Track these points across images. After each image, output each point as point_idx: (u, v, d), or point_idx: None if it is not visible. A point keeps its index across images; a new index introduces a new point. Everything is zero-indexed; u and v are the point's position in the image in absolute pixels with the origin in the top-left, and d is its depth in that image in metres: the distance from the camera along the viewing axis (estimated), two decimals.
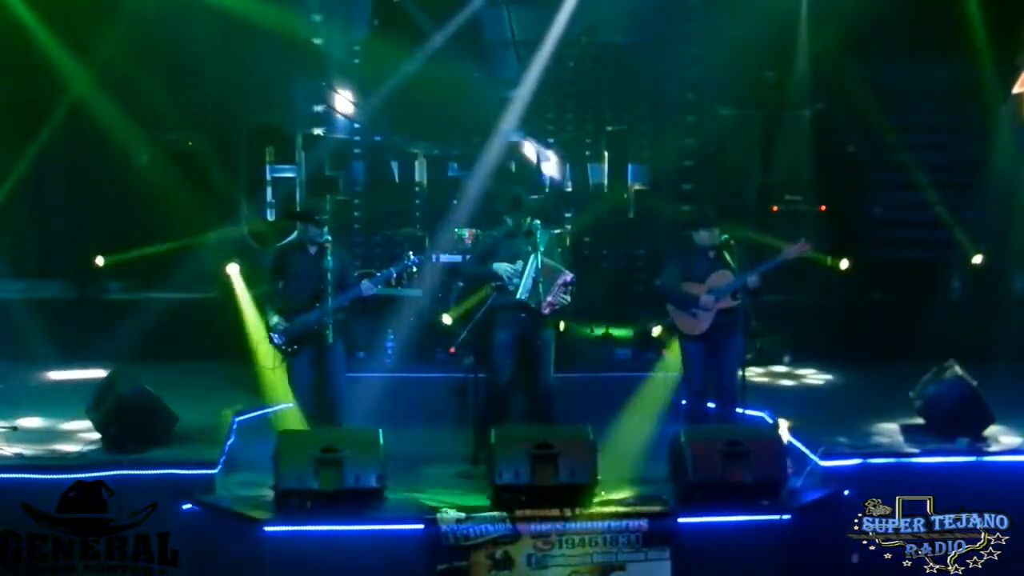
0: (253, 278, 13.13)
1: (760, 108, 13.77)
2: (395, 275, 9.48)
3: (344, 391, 9.27)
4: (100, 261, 12.55)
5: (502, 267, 9.24)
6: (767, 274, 9.33)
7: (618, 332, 12.20)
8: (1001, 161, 13.30)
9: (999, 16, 12.88)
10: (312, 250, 9.10)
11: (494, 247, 9.44)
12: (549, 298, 9.15)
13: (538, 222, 9.31)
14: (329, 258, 9.01)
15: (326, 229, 9.11)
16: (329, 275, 8.98)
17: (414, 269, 9.59)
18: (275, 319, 9.07)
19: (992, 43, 13.00)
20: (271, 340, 9.09)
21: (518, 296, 9.17)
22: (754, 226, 12.98)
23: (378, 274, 9.23)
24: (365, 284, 9.05)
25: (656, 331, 11.44)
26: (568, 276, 9.23)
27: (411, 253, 9.47)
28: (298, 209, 13.29)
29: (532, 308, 9.17)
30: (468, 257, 10.28)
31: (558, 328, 9.83)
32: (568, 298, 9.26)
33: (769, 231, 12.86)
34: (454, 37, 13.06)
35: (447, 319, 10.91)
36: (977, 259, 12.84)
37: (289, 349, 9.07)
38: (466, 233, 12.04)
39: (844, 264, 10.96)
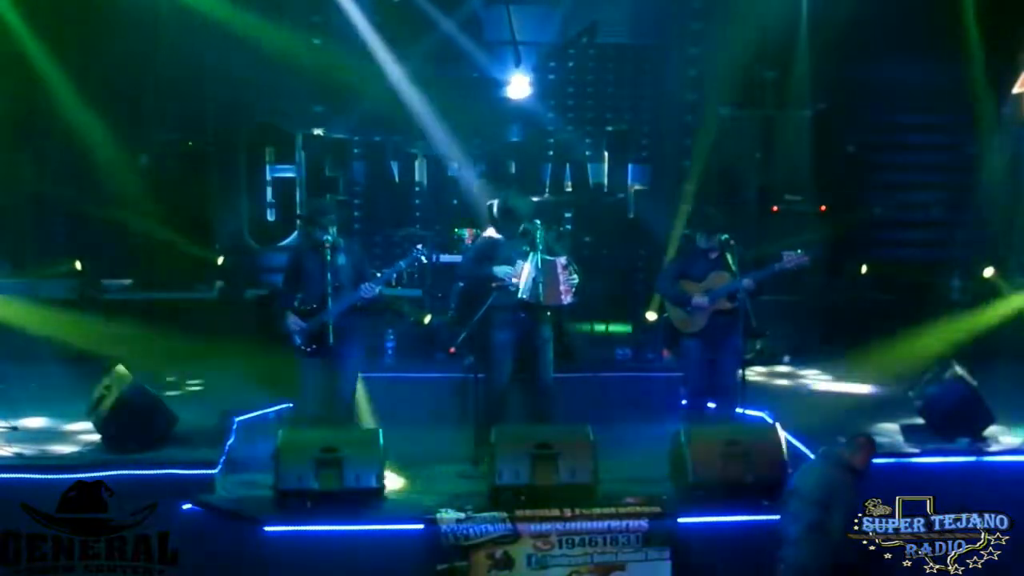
0: (252, 277, 13.26)
1: (760, 108, 13.78)
2: (405, 268, 9.49)
3: (354, 392, 9.27)
4: (78, 265, 12.61)
5: (501, 270, 9.24)
6: (763, 280, 9.35)
7: (618, 328, 12.19)
8: (1000, 161, 13.30)
9: (999, 16, 12.88)
10: (323, 251, 9.11)
11: (492, 248, 9.44)
12: (562, 286, 9.17)
13: (536, 222, 9.32)
14: (340, 257, 9.04)
15: (332, 230, 9.11)
16: (340, 274, 9.02)
17: (423, 259, 9.56)
18: (292, 319, 9.08)
19: (992, 43, 13.01)
20: (291, 341, 9.09)
21: (520, 295, 9.17)
22: (754, 226, 13.02)
23: (379, 274, 9.22)
24: (364, 287, 9.04)
25: (650, 316, 11.48)
26: (562, 259, 9.27)
27: (419, 245, 9.43)
28: (301, 210, 13.39)
29: (532, 307, 9.18)
30: (466, 257, 10.29)
31: (559, 327, 9.86)
32: (576, 277, 9.28)
33: (769, 231, 12.90)
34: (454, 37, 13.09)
35: (427, 319, 10.92)
36: (989, 271, 12.82)
37: (308, 349, 9.07)
38: (466, 233, 12.07)
39: (863, 269, 10.99)
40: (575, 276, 9.29)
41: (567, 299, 9.29)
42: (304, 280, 9.18)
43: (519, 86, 12.96)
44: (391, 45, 12.75)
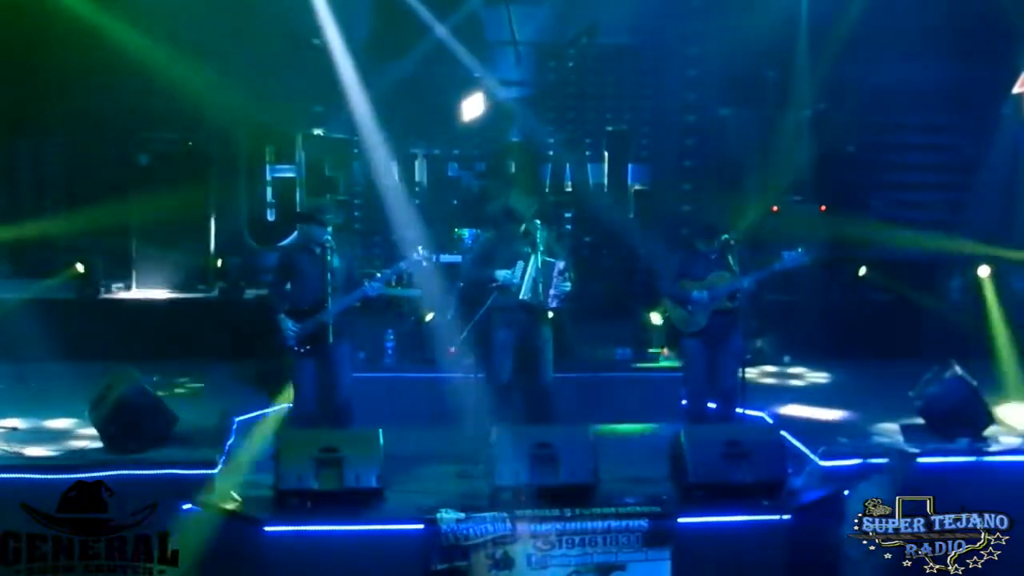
0: (252, 277, 13.25)
1: (760, 108, 13.78)
2: (405, 269, 9.45)
3: (351, 392, 9.23)
4: (79, 266, 12.62)
5: (502, 274, 9.22)
6: (763, 280, 9.35)
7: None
8: (1001, 161, 13.31)
9: (999, 16, 12.89)
10: (317, 251, 9.09)
11: (492, 249, 9.43)
12: (552, 291, 9.17)
13: (537, 222, 9.32)
14: (335, 258, 9.02)
15: (329, 229, 9.10)
16: (336, 275, 8.98)
17: (424, 264, 9.55)
18: (285, 321, 9.05)
19: (992, 43, 13.01)
20: (284, 342, 9.08)
21: (520, 297, 9.17)
22: (754, 226, 13.00)
23: (379, 274, 9.21)
24: (369, 284, 9.03)
25: (655, 319, 11.46)
26: (560, 264, 9.26)
27: (420, 247, 9.40)
28: (300, 210, 13.36)
29: (532, 308, 9.18)
30: (466, 259, 10.28)
31: (560, 326, 9.84)
32: (568, 284, 9.27)
33: (769, 231, 12.88)
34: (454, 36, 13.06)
35: (428, 318, 10.97)
36: (983, 271, 12.79)
37: (301, 350, 9.05)
38: (466, 233, 12.06)
39: (863, 271, 10.91)
40: (567, 284, 9.26)
41: (552, 303, 9.27)
42: (297, 280, 9.14)
43: (473, 107, 12.93)
44: (389, 44, 12.74)
